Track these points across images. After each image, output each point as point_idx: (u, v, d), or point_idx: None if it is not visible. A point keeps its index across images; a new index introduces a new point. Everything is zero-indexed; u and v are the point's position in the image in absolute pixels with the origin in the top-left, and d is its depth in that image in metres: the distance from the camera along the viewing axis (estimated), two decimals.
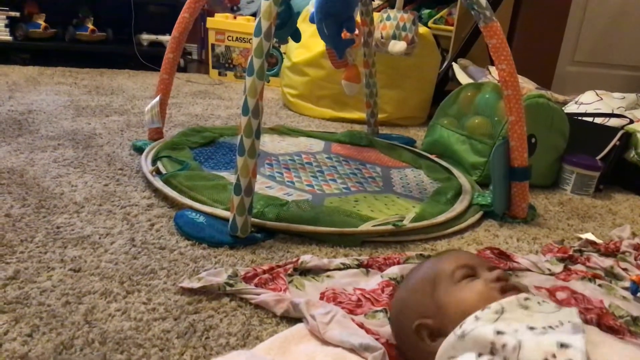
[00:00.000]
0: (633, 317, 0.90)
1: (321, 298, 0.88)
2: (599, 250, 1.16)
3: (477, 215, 1.29)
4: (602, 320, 0.88)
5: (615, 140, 1.59)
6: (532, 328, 0.57)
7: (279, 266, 0.94)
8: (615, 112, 1.80)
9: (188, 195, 1.17)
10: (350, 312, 0.83)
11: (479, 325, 0.60)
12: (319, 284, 0.93)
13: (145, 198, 1.18)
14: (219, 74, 2.85)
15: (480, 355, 0.56)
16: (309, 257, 0.97)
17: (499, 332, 0.57)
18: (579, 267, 1.08)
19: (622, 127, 1.62)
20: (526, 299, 0.63)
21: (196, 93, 2.43)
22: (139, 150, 1.46)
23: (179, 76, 2.77)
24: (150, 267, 0.89)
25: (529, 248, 1.18)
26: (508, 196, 1.31)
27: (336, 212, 1.17)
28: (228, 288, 0.85)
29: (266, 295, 0.84)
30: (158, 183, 1.22)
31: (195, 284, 0.85)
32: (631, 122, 1.64)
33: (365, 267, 0.98)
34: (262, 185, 1.31)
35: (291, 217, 1.11)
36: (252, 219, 1.07)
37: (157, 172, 1.30)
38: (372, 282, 0.94)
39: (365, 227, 1.12)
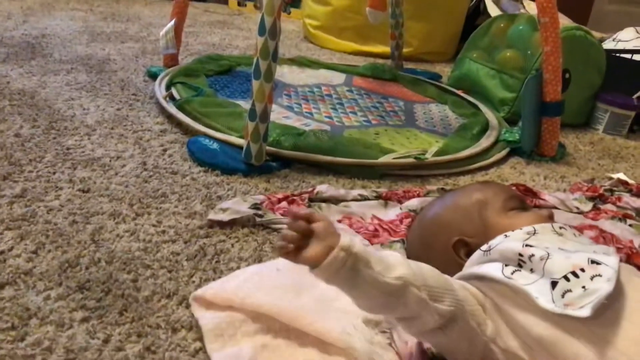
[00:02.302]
0: None
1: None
2: (630, 190, 1.09)
3: (504, 152, 1.23)
4: (632, 260, 0.83)
5: None
6: (563, 249, 0.53)
7: (294, 195, 0.91)
8: None
9: (202, 122, 1.12)
10: (367, 241, 0.80)
11: (507, 241, 0.56)
12: (336, 212, 0.89)
13: (159, 124, 1.14)
14: (239, 4, 2.74)
15: (506, 265, 0.53)
16: (325, 187, 0.93)
17: (527, 245, 0.53)
18: (608, 206, 1.03)
19: None
20: (561, 227, 0.59)
21: (214, 23, 2.35)
22: (154, 76, 1.41)
23: (196, 5, 2.68)
24: (162, 190, 0.87)
25: (556, 186, 1.12)
26: (537, 132, 1.24)
27: (355, 144, 1.12)
28: (258, 219, 0.81)
29: None
30: (172, 109, 1.18)
31: (224, 217, 0.80)
32: None
33: (384, 199, 0.94)
34: (280, 115, 1.26)
35: (308, 146, 1.06)
36: (267, 148, 1.02)
37: (171, 97, 1.26)
38: (391, 213, 0.90)
39: (386, 159, 1.07)
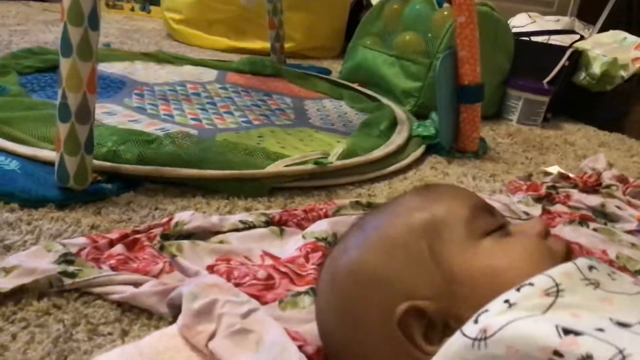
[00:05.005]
0: None
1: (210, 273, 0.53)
2: (576, 185, 0.90)
3: (420, 150, 0.99)
4: None
5: (564, 61, 1.35)
6: (623, 325, 0.28)
7: (136, 231, 0.58)
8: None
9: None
10: (257, 297, 0.49)
11: (517, 318, 0.28)
12: (206, 252, 0.57)
13: None
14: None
15: None
16: (189, 215, 0.61)
17: (566, 331, 0.26)
18: (559, 207, 0.82)
19: (571, 45, 1.38)
20: (591, 267, 0.33)
21: (53, 21, 1.91)
22: None
23: (32, 4, 2.22)
24: None
25: (490, 187, 0.90)
26: (456, 124, 1.02)
27: (232, 150, 0.81)
28: (66, 281, 0.48)
29: (145, 289, 0.48)
30: None
31: (5, 282, 0.46)
32: (582, 37, 1.41)
33: (278, 224, 0.64)
34: (124, 119, 0.92)
35: (163, 157, 0.74)
36: (99, 162, 0.69)
37: None
38: (290, 245, 0.60)
39: (276, 167, 0.77)
